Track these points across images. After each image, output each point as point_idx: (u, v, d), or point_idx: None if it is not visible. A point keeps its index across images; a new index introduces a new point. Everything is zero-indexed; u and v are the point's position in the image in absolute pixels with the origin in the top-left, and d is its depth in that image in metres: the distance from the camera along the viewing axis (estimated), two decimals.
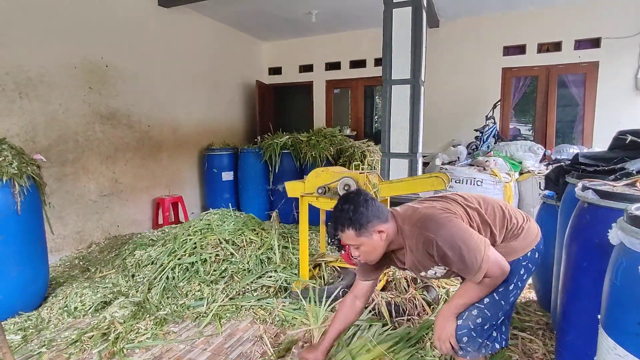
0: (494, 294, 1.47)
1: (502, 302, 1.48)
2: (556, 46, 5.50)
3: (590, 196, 1.48)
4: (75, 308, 2.66)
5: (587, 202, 1.51)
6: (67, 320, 2.56)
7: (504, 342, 1.53)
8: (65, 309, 2.66)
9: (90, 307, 2.67)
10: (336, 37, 6.83)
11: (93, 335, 2.29)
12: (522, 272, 1.50)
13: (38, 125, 3.61)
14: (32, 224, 2.64)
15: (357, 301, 1.76)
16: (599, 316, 1.19)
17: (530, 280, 2.82)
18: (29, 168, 2.61)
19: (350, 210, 1.41)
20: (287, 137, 5.38)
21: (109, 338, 2.27)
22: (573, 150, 4.75)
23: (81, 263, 3.64)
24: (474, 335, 1.46)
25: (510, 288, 1.48)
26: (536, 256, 1.54)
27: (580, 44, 5.36)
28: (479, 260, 1.34)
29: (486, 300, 1.46)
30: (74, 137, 3.95)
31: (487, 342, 1.48)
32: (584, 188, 1.55)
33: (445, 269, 1.49)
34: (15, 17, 3.41)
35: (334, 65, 7.01)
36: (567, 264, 1.65)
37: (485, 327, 1.47)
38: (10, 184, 2.44)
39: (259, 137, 5.97)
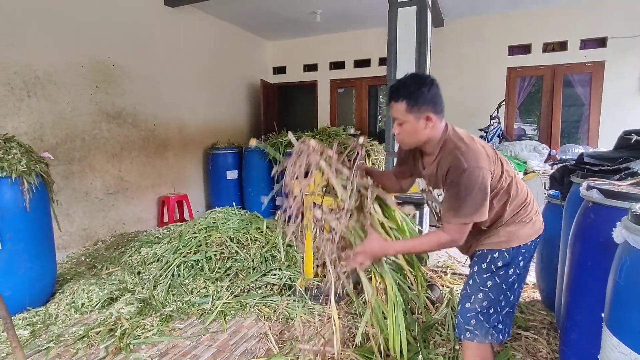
0: (495, 277, 1.51)
1: (504, 285, 1.52)
2: (562, 46, 5.48)
3: (595, 195, 1.48)
4: (82, 304, 2.69)
5: (591, 202, 1.52)
6: (74, 316, 2.60)
7: (506, 335, 1.57)
8: (73, 305, 2.69)
9: (97, 304, 2.70)
10: (340, 37, 6.84)
11: (100, 331, 2.33)
12: (519, 259, 1.53)
13: (46, 124, 3.65)
14: (41, 221, 2.67)
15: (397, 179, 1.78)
16: (603, 314, 1.20)
17: (534, 280, 2.84)
18: (37, 166, 2.64)
19: (413, 85, 1.42)
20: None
21: (116, 334, 2.30)
22: (578, 150, 4.73)
23: (87, 260, 3.67)
24: (482, 319, 1.51)
25: (510, 272, 1.52)
26: (533, 247, 1.58)
27: (586, 44, 5.34)
28: (467, 215, 1.38)
29: (489, 283, 1.52)
30: (81, 136, 3.99)
31: (493, 331, 1.52)
32: (589, 187, 1.55)
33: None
34: (23, 17, 3.45)
35: (338, 65, 7.02)
36: (572, 263, 1.65)
37: (491, 312, 1.51)
38: (19, 181, 2.48)
39: (263, 136, 6.00)
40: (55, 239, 2.94)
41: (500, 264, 1.51)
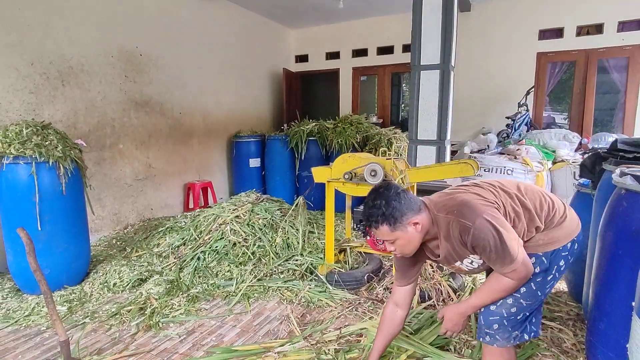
0: (531, 284, 1.40)
1: (539, 292, 1.42)
2: (597, 29, 5.20)
3: (629, 182, 1.43)
4: (114, 284, 2.84)
5: (624, 189, 1.47)
6: (107, 295, 2.75)
7: (532, 334, 1.47)
8: (106, 284, 2.84)
9: (128, 284, 2.84)
10: (363, 23, 6.73)
11: (131, 309, 2.45)
12: (561, 264, 1.43)
13: (79, 112, 3.80)
14: (76, 204, 2.82)
15: (398, 310, 1.65)
16: (634, 303, 1.17)
17: None
18: (72, 152, 2.78)
19: (383, 205, 1.37)
20: (314, 124, 5.41)
21: (146, 312, 2.42)
22: (612, 138, 4.52)
23: (118, 243, 3.84)
24: (506, 324, 1.42)
25: (549, 279, 1.43)
26: (575, 247, 1.46)
27: (624, 26, 5.05)
28: (513, 253, 1.29)
29: (522, 289, 1.40)
30: (111, 124, 4.13)
31: (517, 333, 1.44)
32: (622, 174, 1.50)
33: (481, 259, 1.42)
34: (58, 9, 3.57)
35: (360, 52, 6.94)
36: (602, 251, 1.61)
37: (519, 318, 1.42)
38: (56, 166, 2.61)
39: (285, 125, 6.03)
40: (89, 223, 3.09)
41: (537, 269, 1.40)
